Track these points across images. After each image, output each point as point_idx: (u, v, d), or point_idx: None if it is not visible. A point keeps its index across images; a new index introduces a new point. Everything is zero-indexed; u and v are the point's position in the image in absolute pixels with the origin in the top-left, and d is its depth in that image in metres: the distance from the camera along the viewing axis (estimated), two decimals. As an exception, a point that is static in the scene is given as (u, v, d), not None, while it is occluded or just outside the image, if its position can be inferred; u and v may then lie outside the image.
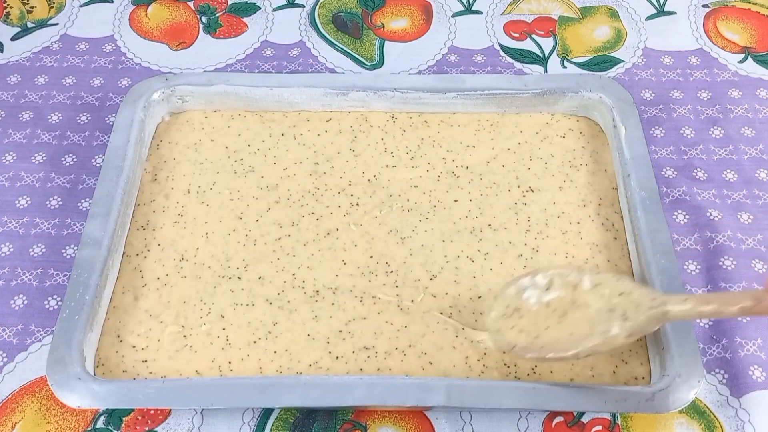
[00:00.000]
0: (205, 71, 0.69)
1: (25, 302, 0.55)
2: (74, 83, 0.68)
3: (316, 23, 0.73)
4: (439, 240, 0.56)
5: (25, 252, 0.57)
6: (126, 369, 0.51)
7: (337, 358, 0.51)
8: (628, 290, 0.45)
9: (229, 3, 0.75)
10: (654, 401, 0.47)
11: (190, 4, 0.75)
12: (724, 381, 0.52)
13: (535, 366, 0.50)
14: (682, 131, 0.64)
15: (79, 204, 0.60)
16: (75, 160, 0.63)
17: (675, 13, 0.74)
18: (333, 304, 0.53)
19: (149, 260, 0.55)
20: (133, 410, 0.51)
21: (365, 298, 0.54)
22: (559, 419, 0.50)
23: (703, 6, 0.74)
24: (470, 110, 0.63)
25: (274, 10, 0.74)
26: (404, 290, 0.54)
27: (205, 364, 0.51)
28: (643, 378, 0.50)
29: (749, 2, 0.74)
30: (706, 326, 0.54)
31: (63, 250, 0.57)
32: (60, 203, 0.60)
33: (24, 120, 0.65)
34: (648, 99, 0.67)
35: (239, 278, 0.55)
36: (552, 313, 0.47)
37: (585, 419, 0.50)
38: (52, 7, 0.74)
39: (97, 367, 0.51)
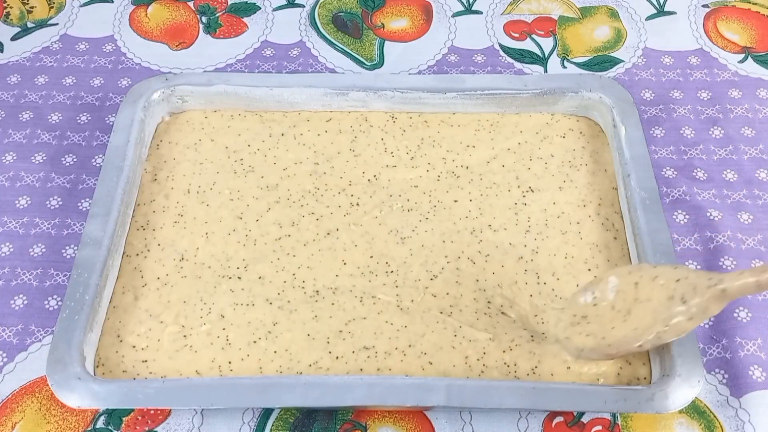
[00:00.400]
0: (205, 71, 0.69)
1: (25, 302, 0.55)
2: (74, 83, 0.68)
3: (316, 23, 0.73)
4: (439, 240, 0.56)
5: (25, 252, 0.57)
6: (126, 369, 0.51)
7: (337, 358, 0.51)
8: (685, 275, 0.45)
9: (229, 3, 0.75)
10: (654, 401, 0.47)
11: (190, 4, 0.75)
12: (724, 381, 0.52)
13: (535, 366, 0.50)
14: (682, 131, 0.64)
15: (79, 204, 0.60)
16: (75, 160, 0.63)
17: (675, 13, 0.74)
18: (333, 304, 0.53)
19: (149, 260, 0.55)
20: (133, 410, 0.51)
21: (365, 298, 0.54)
22: (559, 419, 0.51)
23: (703, 6, 0.74)
24: (470, 110, 0.63)
25: (274, 10, 0.74)
26: (404, 290, 0.54)
27: (205, 364, 0.51)
28: (645, 378, 0.50)
29: (749, 2, 0.74)
30: (706, 326, 0.54)
31: (63, 250, 0.58)
32: (60, 203, 0.60)
33: (24, 120, 0.65)
34: (648, 99, 0.67)
35: (239, 278, 0.55)
36: (617, 314, 0.47)
37: (585, 419, 0.50)
38: (52, 7, 0.74)
39: (97, 367, 0.51)
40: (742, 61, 0.70)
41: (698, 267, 0.56)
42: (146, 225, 0.57)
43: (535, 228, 0.57)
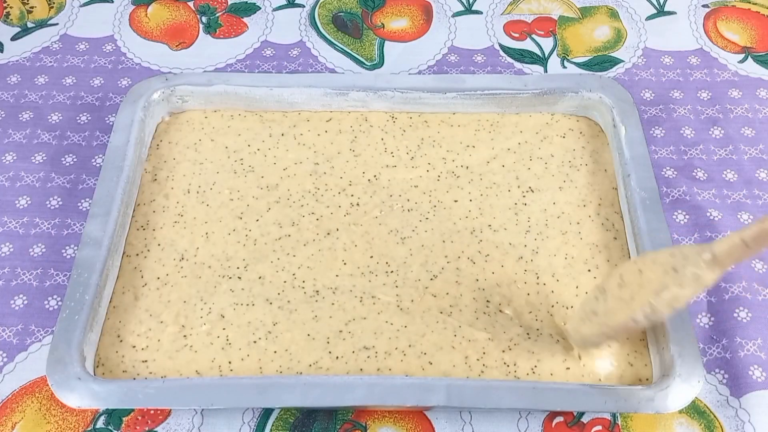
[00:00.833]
0: (205, 71, 0.69)
1: (25, 302, 0.55)
2: (74, 83, 0.68)
3: (316, 23, 0.73)
4: (439, 240, 0.56)
5: (25, 252, 0.57)
6: (126, 369, 0.51)
7: (337, 358, 0.51)
8: (678, 249, 0.45)
9: (229, 3, 0.75)
10: (654, 401, 0.47)
11: (190, 4, 0.75)
12: (724, 381, 0.52)
13: (535, 366, 0.50)
14: (682, 131, 0.64)
15: (79, 204, 0.60)
16: (75, 160, 0.63)
17: (675, 13, 0.74)
18: (333, 304, 0.53)
19: (149, 260, 0.55)
20: (133, 410, 0.51)
21: (365, 298, 0.54)
22: (559, 419, 0.51)
23: (703, 6, 0.74)
24: (470, 110, 0.63)
25: (274, 10, 0.74)
26: (404, 290, 0.54)
27: (205, 364, 0.51)
28: (647, 380, 0.50)
29: (749, 2, 0.74)
30: (706, 326, 0.54)
31: (63, 250, 0.58)
32: (60, 203, 0.60)
33: (24, 120, 0.65)
34: (648, 99, 0.67)
35: (239, 278, 0.55)
36: (622, 302, 0.47)
37: (585, 419, 0.50)
38: (52, 7, 0.74)
39: (97, 367, 0.51)
40: (742, 61, 0.70)
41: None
42: (146, 225, 0.57)
43: (535, 228, 0.57)
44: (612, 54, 0.70)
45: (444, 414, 0.51)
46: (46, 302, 0.55)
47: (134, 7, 0.74)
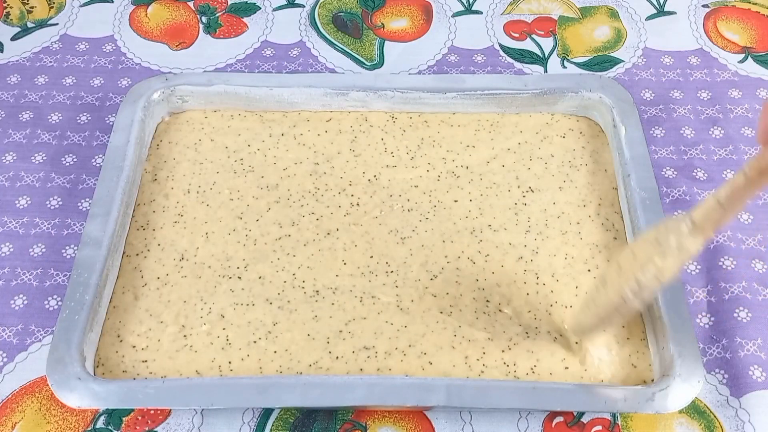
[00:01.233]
0: (205, 71, 0.69)
1: (25, 302, 0.55)
2: (74, 83, 0.68)
3: (316, 23, 0.73)
4: (439, 240, 0.56)
5: (25, 252, 0.57)
6: (126, 369, 0.51)
7: (337, 358, 0.51)
8: (662, 222, 0.44)
9: (229, 3, 0.75)
10: (654, 401, 0.47)
11: (190, 4, 0.75)
12: (724, 381, 0.52)
13: (534, 365, 0.50)
14: (682, 131, 0.64)
15: (79, 204, 0.60)
16: (75, 160, 0.63)
17: (675, 13, 0.74)
18: (333, 304, 0.53)
19: (149, 260, 0.55)
20: (133, 410, 0.51)
21: (365, 298, 0.54)
22: (559, 419, 0.50)
23: (703, 6, 0.74)
24: (470, 110, 0.63)
25: (274, 10, 0.74)
26: (404, 290, 0.54)
27: (205, 364, 0.51)
28: (652, 380, 0.50)
29: (749, 2, 0.74)
30: (706, 326, 0.54)
31: (63, 250, 0.57)
32: (60, 203, 0.60)
33: (24, 120, 0.65)
34: (648, 99, 0.67)
35: (239, 278, 0.55)
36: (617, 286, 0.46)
37: (585, 419, 0.50)
38: (52, 7, 0.74)
39: (97, 367, 0.51)
40: (742, 61, 0.70)
41: (698, 267, 0.57)
42: (146, 225, 0.57)
43: (535, 228, 0.57)
44: (612, 54, 0.70)
45: (444, 414, 0.51)
46: (46, 302, 0.55)
47: (134, 7, 0.74)
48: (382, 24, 0.73)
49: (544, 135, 0.62)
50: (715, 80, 0.68)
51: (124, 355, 0.51)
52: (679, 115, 0.65)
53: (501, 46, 0.71)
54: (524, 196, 0.59)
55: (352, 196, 0.59)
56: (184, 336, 0.52)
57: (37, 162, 0.62)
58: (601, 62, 0.70)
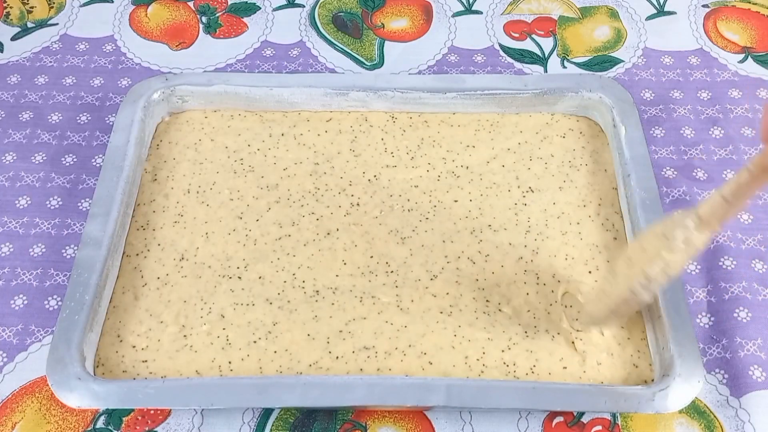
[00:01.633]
0: (205, 71, 0.69)
1: (25, 302, 0.55)
2: (74, 83, 0.68)
3: (316, 23, 0.73)
4: (439, 240, 0.56)
5: (25, 252, 0.57)
6: (126, 369, 0.51)
7: (337, 358, 0.51)
8: (669, 216, 0.45)
9: (229, 3, 0.75)
10: (654, 401, 0.47)
11: (190, 4, 0.75)
12: (724, 381, 0.52)
13: (534, 365, 0.50)
14: (682, 131, 0.64)
15: (79, 204, 0.60)
16: (75, 160, 0.63)
17: (675, 13, 0.74)
18: (333, 304, 0.53)
19: (149, 260, 0.55)
20: (133, 410, 0.51)
21: (365, 298, 0.54)
22: (559, 419, 0.50)
23: (703, 6, 0.74)
24: (470, 110, 0.63)
25: (274, 10, 0.74)
26: (404, 290, 0.54)
27: (205, 364, 0.51)
28: (652, 380, 0.50)
29: (749, 2, 0.74)
30: (706, 326, 0.54)
31: (63, 250, 0.57)
32: (60, 203, 0.60)
33: (24, 120, 0.65)
34: (648, 99, 0.67)
35: (239, 278, 0.55)
36: (629, 280, 0.47)
37: (585, 419, 0.50)
38: (52, 7, 0.74)
39: (97, 367, 0.51)
40: (742, 61, 0.70)
41: (698, 267, 0.57)
42: (146, 225, 0.57)
43: (535, 228, 0.57)
44: (612, 54, 0.70)
45: (444, 414, 0.51)
46: (46, 302, 0.55)
47: (134, 7, 0.74)
48: (382, 24, 0.73)
49: (544, 135, 0.62)
50: (715, 80, 0.68)
51: (124, 355, 0.51)
52: (679, 115, 0.65)
53: (501, 46, 0.71)
54: (524, 196, 0.59)
55: (352, 196, 0.59)
56: (184, 336, 0.52)
57: (37, 162, 0.62)
58: (601, 62, 0.70)
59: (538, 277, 0.54)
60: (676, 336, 0.49)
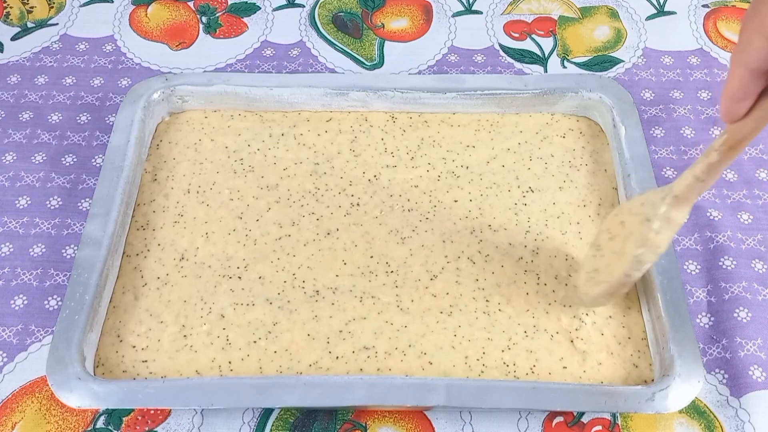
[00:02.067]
0: (205, 71, 0.69)
1: (25, 302, 0.55)
2: (74, 83, 0.68)
3: (316, 23, 0.73)
4: (439, 240, 0.56)
5: (25, 252, 0.57)
6: (126, 369, 0.51)
7: (337, 358, 0.51)
8: (646, 197, 0.47)
9: (229, 3, 0.75)
10: (654, 401, 0.47)
11: (190, 4, 0.75)
12: (724, 381, 0.52)
13: (533, 365, 0.50)
14: (682, 131, 0.64)
15: (79, 204, 0.60)
16: (75, 160, 0.63)
17: (675, 13, 0.74)
18: (333, 304, 0.53)
19: (149, 260, 0.55)
20: (133, 410, 0.51)
21: (365, 298, 0.54)
22: (559, 419, 0.51)
23: (703, 6, 0.74)
24: (470, 110, 0.63)
25: (274, 10, 0.74)
26: (404, 290, 0.54)
27: (205, 364, 0.51)
28: (652, 380, 0.50)
29: (749, 2, 0.74)
30: (706, 326, 0.54)
31: (63, 250, 0.57)
32: (60, 203, 0.60)
33: (24, 120, 0.65)
34: (648, 99, 0.67)
35: (239, 278, 0.55)
36: (617, 256, 0.49)
37: (585, 419, 0.50)
38: (52, 7, 0.74)
39: (97, 367, 0.51)
40: (742, 61, 0.69)
41: (698, 267, 0.57)
42: (146, 225, 0.57)
43: (535, 228, 0.57)
44: (612, 54, 0.70)
45: (444, 414, 0.51)
46: (46, 302, 0.55)
47: (134, 7, 0.74)
48: (382, 24, 0.73)
49: (544, 135, 0.62)
50: (715, 80, 0.68)
51: (124, 355, 0.51)
52: (679, 115, 0.65)
53: (501, 46, 0.71)
54: (524, 196, 0.59)
55: (352, 196, 0.59)
56: (184, 336, 0.52)
57: (37, 162, 0.62)
58: (601, 62, 0.70)
59: (538, 277, 0.54)
60: (676, 336, 0.49)
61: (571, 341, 0.51)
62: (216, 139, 0.62)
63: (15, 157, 0.63)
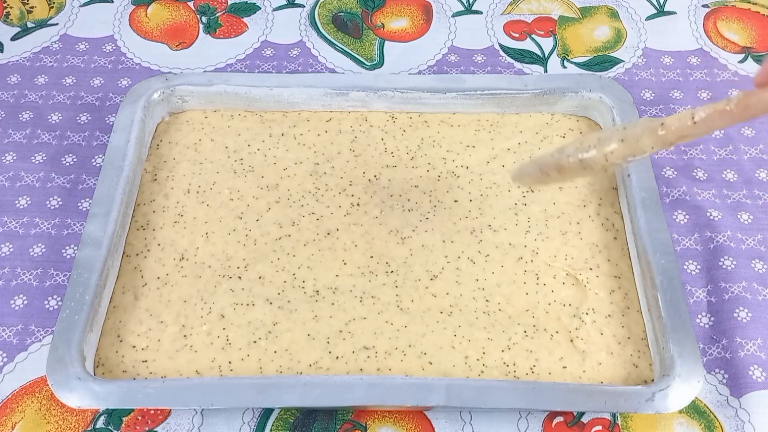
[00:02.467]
0: (205, 71, 0.69)
1: (25, 302, 0.55)
2: (74, 83, 0.68)
3: (316, 23, 0.73)
4: (439, 240, 0.56)
5: (25, 252, 0.57)
6: (126, 369, 0.51)
7: (337, 358, 0.51)
8: (642, 119, 0.45)
9: (229, 3, 0.75)
10: (654, 401, 0.47)
11: (190, 4, 0.75)
12: (724, 381, 0.52)
13: (533, 365, 0.50)
14: (682, 131, 0.64)
15: (79, 204, 0.60)
16: (75, 160, 0.63)
17: (675, 13, 0.74)
18: (333, 304, 0.53)
19: (149, 260, 0.55)
20: (133, 410, 0.51)
21: (365, 298, 0.54)
22: (559, 419, 0.51)
23: (703, 6, 0.74)
24: (470, 110, 0.63)
25: (274, 10, 0.74)
26: (404, 290, 0.54)
27: (205, 364, 0.51)
28: (652, 380, 0.50)
29: (749, 2, 0.74)
30: (706, 326, 0.54)
31: (63, 250, 0.58)
32: (60, 203, 0.60)
33: (24, 120, 0.65)
34: (648, 99, 0.67)
35: (239, 278, 0.55)
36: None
37: (585, 419, 0.50)
38: (52, 7, 0.74)
39: (97, 367, 0.51)
40: (742, 61, 0.70)
41: (698, 267, 0.57)
42: (146, 225, 0.57)
43: (535, 228, 0.57)
44: (612, 54, 0.70)
45: (444, 414, 0.51)
46: (46, 302, 0.55)
47: (134, 7, 0.74)
48: (382, 24, 0.73)
49: (544, 135, 0.62)
50: (715, 80, 0.68)
51: (124, 355, 0.51)
52: (679, 115, 0.65)
53: (501, 46, 0.71)
54: (524, 196, 0.59)
55: (353, 196, 0.59)
56: (184, 336, 0.52)
57: (37, 162, 0.62)
58: (601, 62, 0.70)
59: (538, 277, 0.54)
60: (676, 336, 0.49)
61: (571, 341, 0.51)
62: (216, 139, 0.62)
63: (15, 157, 0.63)
